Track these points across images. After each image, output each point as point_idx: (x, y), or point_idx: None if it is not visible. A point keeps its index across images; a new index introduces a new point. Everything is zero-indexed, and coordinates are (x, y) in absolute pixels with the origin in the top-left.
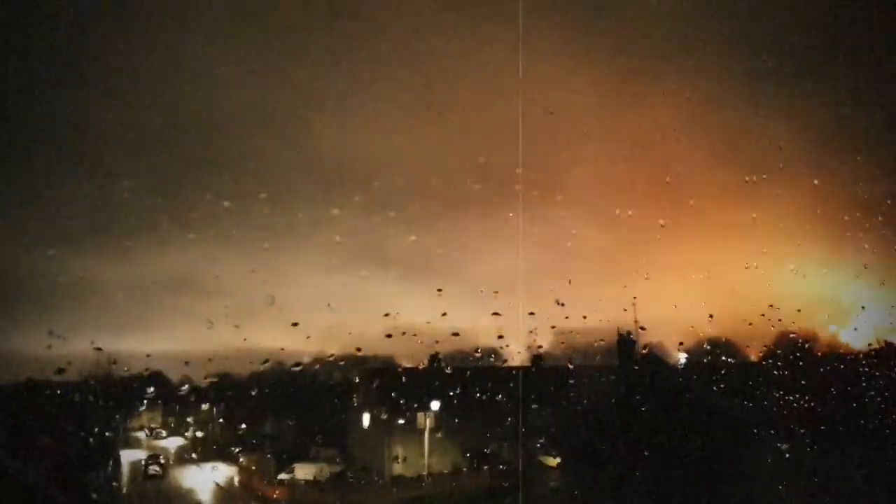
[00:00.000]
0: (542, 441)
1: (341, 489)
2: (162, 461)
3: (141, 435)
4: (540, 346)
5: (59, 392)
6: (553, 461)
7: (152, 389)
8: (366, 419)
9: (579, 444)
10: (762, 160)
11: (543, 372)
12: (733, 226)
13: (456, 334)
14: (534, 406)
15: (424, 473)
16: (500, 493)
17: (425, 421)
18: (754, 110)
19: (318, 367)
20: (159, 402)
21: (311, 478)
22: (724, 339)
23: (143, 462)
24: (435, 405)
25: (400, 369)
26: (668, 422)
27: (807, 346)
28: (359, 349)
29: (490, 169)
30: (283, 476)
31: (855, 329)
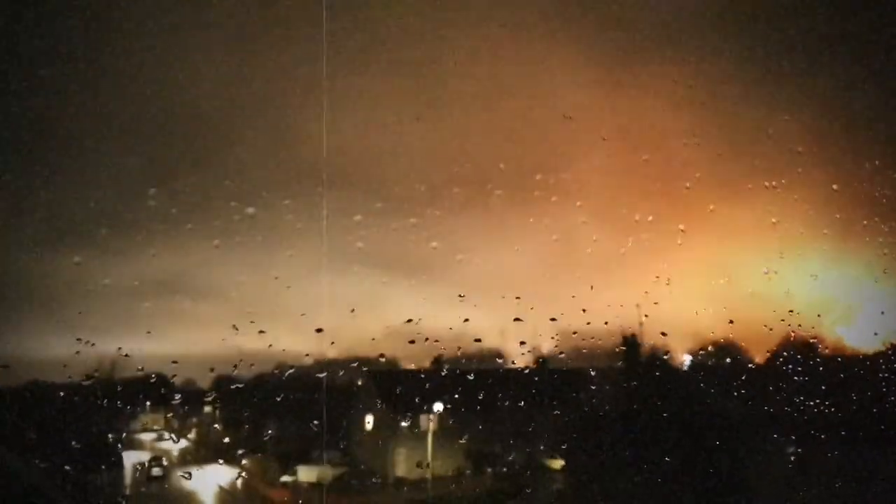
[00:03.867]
0: (563, 446)
1: (344, 491)
2: (165, 463)
3: (144, 437)
4: (562, 353)
5: (84, 396)
6: (557, 463)
7: (178, 396)
8: (373, 422)
9: (596, 448)
10: (781, 165)
11: (565, 377)
12: (753, 231)
13: (478, 340)
14: (555, 412)
15: (429, 476)
16: (506, 495)
17: (432, 425)
18: (773, 115)
19: (341, 372)
20: (175, 405)
21: (314, 480)
22: (744, 344)
23: (145, 463)
24: (442, 408)
25: (422, 374)
26: (687, 427)
27: (826, 350)
28: (382, 355)
29: (509, 175)
30: (286, 478)
31: (875, 334)
